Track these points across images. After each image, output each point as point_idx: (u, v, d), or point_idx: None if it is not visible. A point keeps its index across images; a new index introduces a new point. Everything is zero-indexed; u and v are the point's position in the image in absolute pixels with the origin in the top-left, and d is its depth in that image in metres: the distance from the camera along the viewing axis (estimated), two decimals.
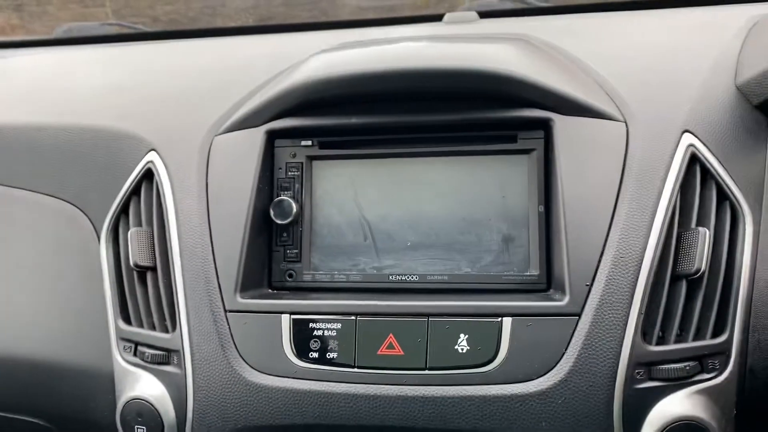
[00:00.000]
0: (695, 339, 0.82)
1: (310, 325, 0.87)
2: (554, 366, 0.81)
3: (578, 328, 0.81)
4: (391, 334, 0.85)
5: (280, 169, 0.96)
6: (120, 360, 0.95)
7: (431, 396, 0.82)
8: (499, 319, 0.83)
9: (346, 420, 0.84)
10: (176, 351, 0.90)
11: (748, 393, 0.82)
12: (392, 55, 0.91)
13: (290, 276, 0.96)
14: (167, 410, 0.90)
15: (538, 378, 0.81)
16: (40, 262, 1.08)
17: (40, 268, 1.08)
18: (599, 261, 0.83)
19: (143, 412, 0.90)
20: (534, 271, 0.89)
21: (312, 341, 0.86)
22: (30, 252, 1.09)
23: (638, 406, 0.80)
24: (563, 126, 0.88)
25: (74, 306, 1.04)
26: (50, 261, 1.08)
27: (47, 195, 1.11)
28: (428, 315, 0.84)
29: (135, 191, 1.01)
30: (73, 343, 1.02)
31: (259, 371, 0.87)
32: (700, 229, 0.83)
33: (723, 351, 0.81)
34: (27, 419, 1.08)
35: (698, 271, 0.82)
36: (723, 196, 0.86)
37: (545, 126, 0.89)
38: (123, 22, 1.96)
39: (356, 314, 0.86)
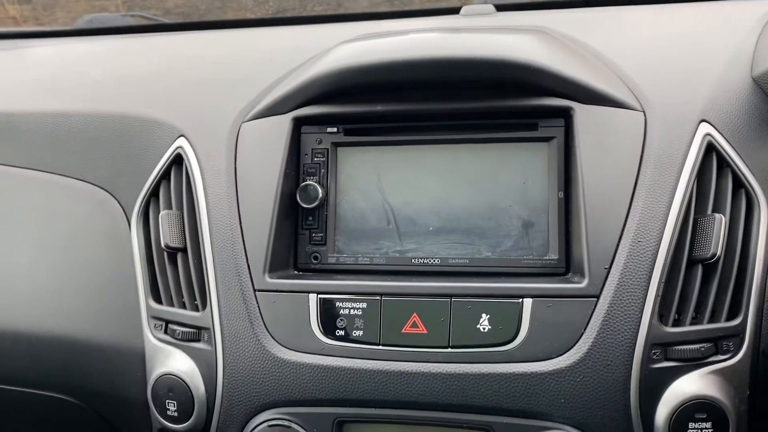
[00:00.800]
0: (710, 321, 0.84)
1: (337, 304, 0.90)
2: (573, 345, 0.84)
3: (597, 310, 0.84)
4: (414, 314, 0.88)
5: (306, 155, 0.99)
6: (151, 338, 0.98)
7: (454, 373, 0.85)
8: (520, 300, 0.86)
9: (370, 395, 0.87)
10: (206, 328, 0.93)
11: (762, 374, 0.85)
12: (421, 44, 0.94)
13: (315, 258, 0.99)
14: (197, 386, 0.93)
15: (557, 357, 0.84)
16: (71, 244, 1.11)
17: (70, 249, 1.11)
18: (617, 245, 0.86)
19: (174, 388, 0.93)
20: (553, 255, 0.92)
21: (338, 320, 0.90)
22: (60, 234, 1.12)
23: (654, 385, 0.82)
24: (583, 114, 0.91)
25: (104, 286, 1.07)
26: (80, 243, 1.11)
27: (78, 179, 1.14)
28: (451, 296, 0.87)
29: (165, 176, 1.04)
30: (103, 321, 1.05)
31: (287, 348, 0.90)
32: (716, 215, 0.86)
33: (737, 333, 0.83)
34: (57, 396, 1.11)
35: (714, 255, 0.84)
36: (738, 184, 0.88)
37: (566, 114, 0.92)
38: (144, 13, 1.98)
39: (381, 294, 0.89)
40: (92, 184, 1.13)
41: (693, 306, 0.84)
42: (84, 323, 1.07)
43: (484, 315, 0.86)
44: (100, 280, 1.08)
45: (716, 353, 0.83)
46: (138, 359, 1.01)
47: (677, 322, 0.85)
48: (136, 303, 1.02)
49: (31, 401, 1.13)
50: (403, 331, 0.88)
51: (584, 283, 0.85)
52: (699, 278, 0.85)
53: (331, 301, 0.90)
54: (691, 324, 0.85)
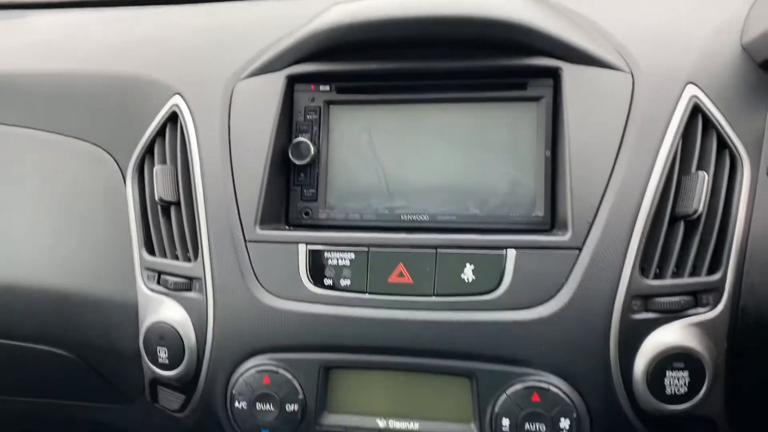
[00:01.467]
0: (691, 276, 0.86)
1: (325, 254, 0.92)
2: (555, 295, 0.86)
3: (579, 261, 0.86)
4: (401, 263, 0.90)
5: (299, 113, 1.01)
6: (144, 288, 1.00)
7: (438, 320, 0.87)
8: (504, 251, 0.88)
9: (356, 341, 0.89)
10: (198, 278, 0.95)
11: (740, 330, 0.86)
12: (413, 3, 0.96)
13: (306, 214, 1.01)
14: (188, 333, 0.95)
15: (539, 306, 0.86)
16: (67, 201, 1.13)
17: (67, 206, 1.13)
18: (601, 201, 0.88)
19: (165, 335, 0.95)
20: (539, 212, 0.94)
21: (326, 269, 0.92)
22: (57, 191, 1.14)
23: (634, 335, 0.84)
24: (572, 75, 0.93)
25: (100, 241, 1.09)
26: (77, 200, 1.13)
27: (75, 138, 1.17)
28: (436, 247, 0.89)
29: (160, 133, 1.06)
30: (99, 275, 1.07)
31: (276, 296, 0.92)
32: (700, 173, 0.87)
33: (716, 288, 0.85)
34: (52, 350, 1.13)
35: (696, 212, 0.86)
36: (723, 145, 0.90)
37: (554, 74, 0.94)
38: None
39: (368, 245, 0.91)
40: (89, 142, 1.15)
41: (674, 261, 0.86)
42: (80, 277, 1.09)
43: (468, 265, 0.88)
44: (96, 235, 1.10)
45: (695, 306, 0.85)
46: (132, 312, 1.03)
47: (658, 276, 0.86)
48: (131, 257, 1.04)
49: (26, 356, 1.15)
50: (389, 280, 0.90)
51: (567, 236, 0.87)
52: (681, 234, 0.87)
53: (320, 252, 0.92)
54: (672, 278, 0.86)
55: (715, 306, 0.85)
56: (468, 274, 0.88)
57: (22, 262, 1.11)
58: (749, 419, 0.90)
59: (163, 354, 0.95)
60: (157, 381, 1.02)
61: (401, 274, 0.89)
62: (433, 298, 0.88)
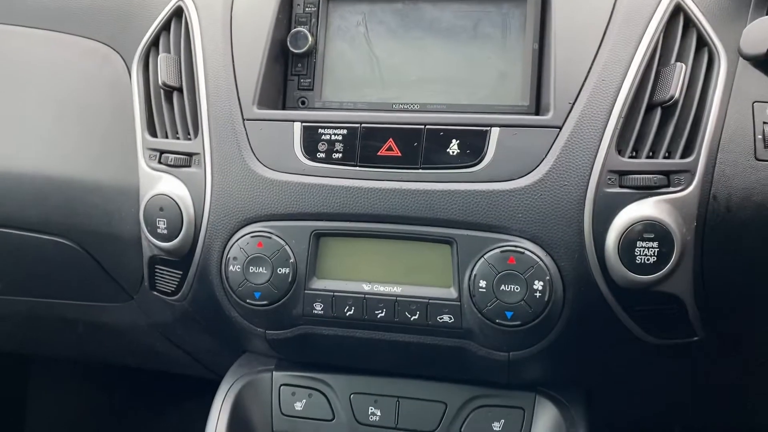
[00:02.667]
0: (665, 158, 0.91)
1: (319, 131, 0.97)
2: (534, 169, 0.91)
3: (558, 138, 0.91)
4: (390, 139, 0.95)
5: (299, 5, 1.06)
6: (145, 167, 1.05)
7: (423, 190, 0.92)
8: (489, 128, 0.93)
9: (346, 209, 0.94)
10: (197, 154, 1.00)
11: (711, 214, 0.91)
12: None
13: (302, 103, 1.06)
14: (187, 205, 1.00)
15: (519, 178, 0.91)
16: (74, 93, 1.18)
17: (73, 98, 1.18)
18: (582, 85, 0.92)
19: (165, 206, 1.00)
20: (524, 102, 0.99)
21: (320, 144, 0.97)
22: (64, 85, 1.19)
23: (607, 207, 0.89)
24: None
25: (105, 129, 1.14)
26: (83, 92, 1.18)
27: (82, 36, 1.21)
28: (425, 124, 0.94)
29: (165, 27, 1.11)
30: (103, 162, 1.12)
31: (271, 169, 0.97)
32: (678, 63, 0.92)
33: (688, 170, 0.89)
34: (54, 239, 1.18)
35: (672, 98, 0.90)
36: (702, 43, 0.95)
37: None
38: None
39: (360, 123, 0.96)
40: (95, 40, 1.20)
41: (650, 144, 0.91)
42: (85, 164, 1.14)
43: (454, 140, 0.93)
44: (101, 124, 1.15)
45: (668, 186, 0.89)
46: (133, 197, 1.08)
47: (633, 157, 0.91)
48: (134, 145, 1.09)
49: (29, 248, 1.19)
50: (379, 153, 0.95)
51: (549, 116, 0.92)
52: (657, 119, 0.91)
53: (314, 128, 0.97)
54: (647, 158, 0.91)
55: (686, 187, 0.89)
56: (453, 148, 0.93)
57: (27, 151, 1.16)
58: (716, 304, 0.95)
59: (162, 225, 1.00)
60: (155, 259, 1.07)
61: (390, 148, 0.94)
62: (420, 170, 0.93)
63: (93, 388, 2.06)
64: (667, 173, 0.90)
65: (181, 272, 1.05)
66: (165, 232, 1.00)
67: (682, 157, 0.90)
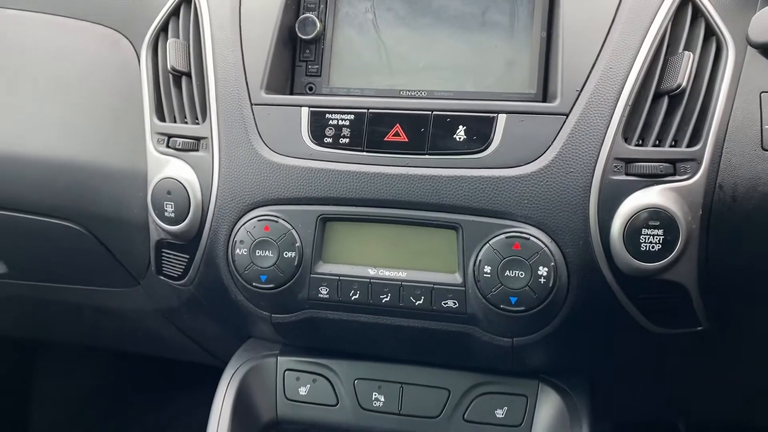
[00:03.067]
0: (671, 147, 0.91)
1: (326, 116, 0.97)
2: (540, 155, 0.91)
3: (565, 125, 0.91)
4: (397, 124, 0.95)
5: None
6: (153, 151, 1.06)
7: (429, 175, 0.93)
8: (495, 115, 0.93)
9: (352, 194, 0.94)
10: (205, 138, 1.01)
11: (716, 203, 0.91)
12: None
13: (310, 89, 1.06)
14: (194, 188, 1.00)
15: (525, 165, 0.91)
16: (83, 79, 1.19)
17: (82, 83, 1.19)
18: (590, 72, 0.93)
19: (172, 190, 1.00)
20: (531, 90, 0.99)
21: (327, 129, 0.97)
22: (73, 69, 1.20)
23: (613, 194, 0.89)
24: None
25: (114, 114, 1.15)
26: (92, 77, 1.18)
27: (91, 22, 1.22)
28: (432, 110, 0.95)
29: (174, 13, 1.12)
30: (111, 147, 1.13)
31: (279, 153, 0.97)
32: (685, 52, 0.92)
33: (695, 158, 0.90)
34: (62, 223, 1.18)
35: (679, 87, 0.90)
36: (711, 32, 0.94)
37: None
38: None
39: (367, 108, 0.96)
40: (106, 26, 1.21)
41: (656, 132, 0.91)
42: (93, 148, 1.15)
43: (461, 127, 0.93)
44: (109, 109, 1.16)
45: (674, 174, 0.89)
46: (141, 181, 1.09)
47: (640, 145, 0.91)
48: (142, 130, 1.10)
49: (37, 232, 1.20)
50: (386, 139, 0.95)
51: (556, 103, 0.92)
52: (664, 108, 0.91)
53: (322, 113, 0.98)
54: (653, 146, 0.91)
55: (692, 175, 0.89)
56: (460, 134, 0.93)
57: (35, 134, 1.16)
58: (721, 294, 0.95)
59: (169, 208, 1.01)
60: (162, 243, 1.07)
61: (397, 134, 0.95)
62: (426, 156, 0.93)
63: (98, 373, 2.07)
64: (673, 162, 0.90)
65: (187, 256, 1.06)
66: (172, 215, 1.01)
67: (689, 145, 0.90)
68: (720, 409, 1.35)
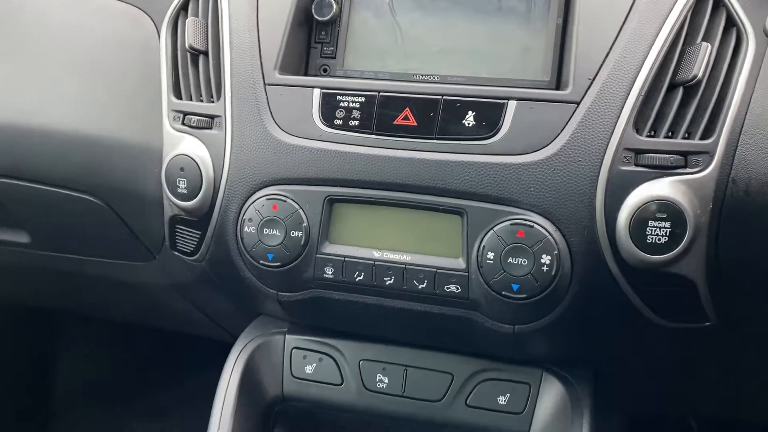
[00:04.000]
0: (684, 139, 0.90)
1: (338, 98, 0.98)
2: (549, 143, 0.90)
3: (576, 114, 0.90)
4: (407, 108, 0.95)
5: None
6: (169, 128, 1.08)
7: (437, 160, 0.93)
8: (506, 101, 0.93)
9: (360, 176, 0.95)
10: (219, 116, 1.02)
11: (729, 198, 0.89)
12: None
13: (324, 71, 1.07)
14: (207, 165, 1.02)
15: (533, 152, 0.91)
16: (103, 55, 1.21)
17: (102, 59, 1.21)
18: (604, 60, 0.91)
19: (186, 166, 1.02)
20: (545, 77, 0.98)
21: (338, 111, 0.98)
22: (94, 46, 1.22)
23: (621, 185, 0.88)
24: None
25: (133, 91, 1.17)
26: (113, 54, 1.20)
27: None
28: (442, 95, 0.95)
29: None
30: (129, 123, 1.15)
31: (289, 134, 0.98)
32: (703, 43, 0.91)
33: (708, 151, 0.88)
34: (81, 196, 1.21)
35: (695, 78, 0.89)
36: (731, 23, 0.92)
37: None
38: None
39: (378, 91, 0.97)
40: (128, 3, 1.22)
41: (669, 123, 0.89)
42: (111, 124, 1.17)
43: (470, 112, 0.93)
44: (129, 85, 1.18)
45: (685, 166, 0.88)
46: (157, 158, 1.11)
47: (651, 136, 0.90)
48: (159, 106, 1.11)
49: (57, 200, 1.23)
50: (395, 122, 0.95)
51: (567, 91, 0.92)
52: (678, 99, 0.90)
53: (333, 95, 0.98)
54: (665, 138, 0.90)
55: (704, 168, 0.88)
56: (469, 119, 0.93)
57: (55, 108, 1.18)
58: (730, 290, 0.94)
59: (182, 185, 1.03)
60: (175, 219, 1.09)
61: (407, 117, 0.95)
62: (435, 140, 0.94)
63: (115, 346, 2.12)
64: (685, 154, 0.88)
65: (199, 232, 1.08)
66: (185, 191, 1.03)
67: (702, 138, 0.89)
68: (728, 405, 1.34)
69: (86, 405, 2.11)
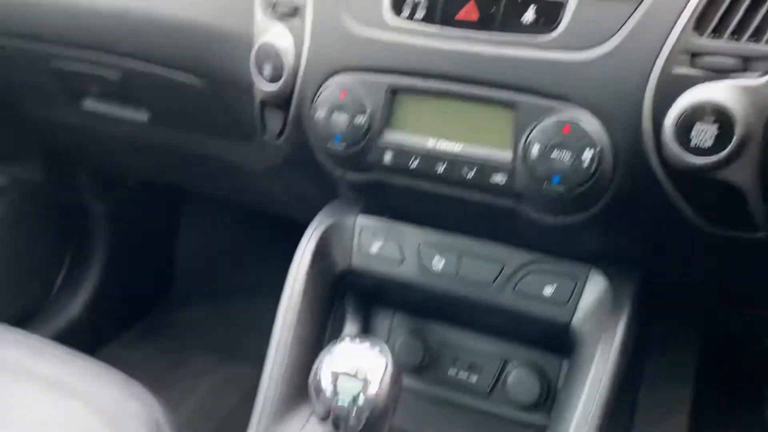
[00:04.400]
0: (749, 42, 0.87)
1: None
2: (606, 41, 0.92)
3: (636, 11, 0.90)
4: (471, 1, 0.99)
5: None
6: (259, 17, 1.18)
7: (495, 54, 0.97)
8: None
9: (422, 66, 1.01)
10: (303, 5, 1.11)
11: None
12: None
13: None
14: (288, 53, 1.12)
15: (588, 49, 0.92)
16: None
17: None
18: None
19: (270, 53, 1.13)
20: None
21: (405, 3, 1.03)
22: None
23: (673, 86, 0.88)
24: None
25: None
26: None
27: None
28: None
29: None
30: (225, 11, 1.26)
31: (360, 24, 1.06)
32: None
33: None
34: (184, 75, 1.35)
35: None
36: None
37: None
38: None
39: None
40: None
41: (734, 25, 0.87)
42: (210, 12, 1.28)
43: (531, 7, 0.96)
44: None
45: (744, 71, 0.86)
46: (249, 45, 1.21)
47: (713, 37, 0.89)
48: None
49: (170, 83, 1.37)
50: (457, 17, 1.00)
51: None
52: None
53: None
54: (727, 40, 0.88)
55: (764, 74, 0.85)
56: (529, 14, 0.96)
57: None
58: None
59: (267, 70, 1.14)
60: (264, 103, 1.21)
61: (469, 11, 0.99)
62: (494, 34, 0.97)
63: (230, 226, 2.36)
64: (746, 58, 0.86)
65: (283, 116, 1.19)
66: (270, 76, 1.14)
67: None
68: None
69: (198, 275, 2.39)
